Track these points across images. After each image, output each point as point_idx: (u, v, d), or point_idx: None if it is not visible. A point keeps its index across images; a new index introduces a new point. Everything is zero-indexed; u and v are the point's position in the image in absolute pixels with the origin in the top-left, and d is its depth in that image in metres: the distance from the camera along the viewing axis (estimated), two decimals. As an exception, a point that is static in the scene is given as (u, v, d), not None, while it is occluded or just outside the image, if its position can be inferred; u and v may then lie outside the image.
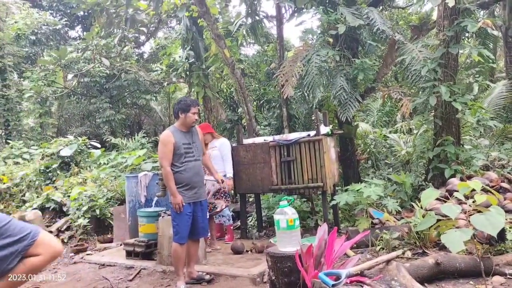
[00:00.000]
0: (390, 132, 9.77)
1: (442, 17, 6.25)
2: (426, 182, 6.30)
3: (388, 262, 2.78)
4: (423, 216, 4.60)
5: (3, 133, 16.12)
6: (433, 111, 6.37)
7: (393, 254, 2.85)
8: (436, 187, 5.80)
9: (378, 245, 4.71)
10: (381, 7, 8.39)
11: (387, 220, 5.31)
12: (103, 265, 5.43)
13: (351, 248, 4.34)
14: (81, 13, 17.34)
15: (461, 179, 5.59)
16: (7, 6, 16.53)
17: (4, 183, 8.92)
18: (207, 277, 4.45)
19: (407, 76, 6.39)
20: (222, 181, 4.94)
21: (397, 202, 5.52)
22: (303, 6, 6.79)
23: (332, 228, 3.35)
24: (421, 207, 5.01)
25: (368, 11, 6.57)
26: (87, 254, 5.99)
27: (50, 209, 7.82)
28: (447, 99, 5.75)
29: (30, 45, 15.92)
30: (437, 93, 5.82)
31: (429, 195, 3.61)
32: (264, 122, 10.04)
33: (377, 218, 5.51)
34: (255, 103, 10.32)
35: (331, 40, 6.62)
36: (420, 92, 6.42)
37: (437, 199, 4.85)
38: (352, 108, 6.33)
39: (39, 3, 17.52)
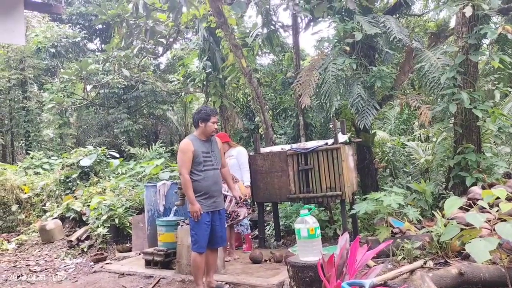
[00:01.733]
0: (408, 140, 9.66)
1: (460, 24, 6.19)
2: (447, 191, 6.20)
3: (412, 272, 2.73)
4: (445, 225, 4.52)
5: (23, 144, 16.48)
6: (452, 118, 6.29)
7: (417, 263, 2.81)
8: (457, 196, 5.70)
9: (399, 255, 4.63)
10: (397, 15, 8.36)
11: (408, 229, 5.23)
12: (123, 274, 5.46)
13: (372, 258, 4.28)
14: (100, 26, 17.70)
15: (483, 187, 5.48)
16: (27, 19, 16.94)
17: (25, 193, 9.08)
18: (226, 286, 4.44)
19: (425, 83, 6.32)
20: (241, 198, 4.94)
21: (417, 211, 5.44)
22: (319, 15, 6.80)
23: (354, 238, 3.31)
24: (443, 216, 4.93)
25: (385, 20, 6.54)
26: (107, 263, 6.03)
27: (70, 218, 7.93)
28: (467, 106, 5.67)
29: (50, 57, 16.27)
30: (457, 100, 5.75)
31: (453, 204, 3.55)
32: (280, 131, 10.04)
33: (397, 227, 5.43)
34: (271, 112, 10.33)
35: (347, 48, 6.60)
36: (439, 100, 6.35)
37: (459, 208, 4.76)
38: (370, 116, 6.28)
39: (58, 16, 17.90)
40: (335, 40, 6.93)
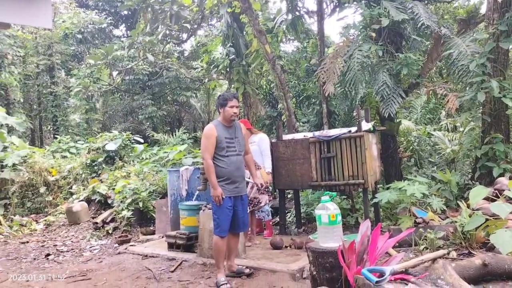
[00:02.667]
0: (434, 129, 9.47)
1: (491, 10, 6.00)
2: (473, 181, 6.07)
3: (434, 260, 2.70)
4: (470, 216, 4.44)
5: (51, 128, 16.92)
6: (481, 107, 6.12)
7: (440, 252, 2.77)
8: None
9: (422, 245, 4.58)
10: (426, 1, 8.14)
11: (431, 219, 5.16)
12: (146, 256, 5.59)
13: (393, 247, 4.25)
14: (125, 12, 17.89)
15: (510, 178, 5.35)
16: (55, 6, 17.25)
17: (53, 176, 9.35)
18: (247, 270, 4.49)
19: (453, 71, 6.16)
20: (262, 185, 4.94)
21: (442, 201, 5.35)
22: (345, 1, 6.69)
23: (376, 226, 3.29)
24: (468, 207, 4.84)
25: (413, 6, 6.39)
26: (131, 245, 6.18)
27: (96, 201, 8.13)
28: (496, 95, 5.51)
29: (77, 43, 16.57)
30: (486, 88, 5.59)
31: (478, 193, 3.47)
32: (303, 119, 9.99)
33: (421, 217, 5.36)
34: (294, 99, 10.28)
35: (374, 34, 6.48)
36: (467, 88, 6.19)
37: (485, 198, 4.66)
38: (395, 104, 6.18)
39: (85, 2, 18.19)
40: (361, 27, 6.81)
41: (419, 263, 2.67)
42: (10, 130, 11.38)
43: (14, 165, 8.93)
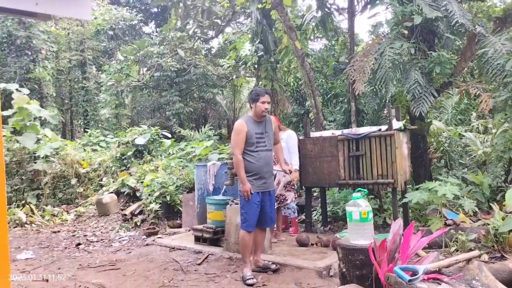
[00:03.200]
0: (465, 130, 9.24)
1: (530, 8, 5.80)
2: (506, 184, 5.90)
3: (468, 261, 2.64)
4: (503, 219, 4.32)
5: (82, 122, 17.35)
6: (516, 108, 5.93)
7: (474, 253, 2.71)
8: (517, 189, 5.42)
9: (452, 247, 4.50)
10: (460, -1, 7.95)
11: (462, 221, 5.05)
12: (173, 248, 5.67)
13: (423, 248, 4.18)
14: (155, 9, 18.14)
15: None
16: None
17: (83, 168, 9.59)
18: (273, 266, 4.50)
19: (487, 70, 5.99)
20: (290, 171, 4.94)
21: (473, 203, 5.23)
22: (378, -2, 6.61)
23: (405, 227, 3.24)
24: (500, 209, 4.72)
25: (447, 3, 6.24)
26: (158, 237, 6.28)
27: (125, 193, 8.30)
28: (534, 95, 5.34)
29: (108, 39, 16.91)
30: (523, 88, 5.42)
31: (515, 195, 3.38)
32: (330, 117, 9.91)
33: (451, 219, 5.25)
34: (321, 97, 10.20)
35: (406, 32, 6.37)
36: (501, 88, 6.01)
37: (520, 201, 4.53)
38: (427, 103, 6.05)
39: (117, -1, 18.55)
40: (393, 24, 6.70)
41: (453, 263, 2.62)
42: (43, 123, 11.72)
43: (46, 156, 9.20)
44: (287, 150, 5.83)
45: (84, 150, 10.79)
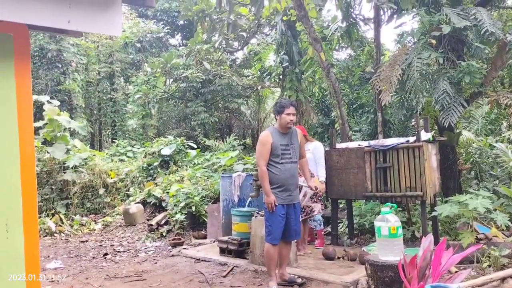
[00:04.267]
0: (496, 141, 8.97)
1: None
2: (541, 197, 5.69)
3: (503, 279, 2.54)
4: (539, 234, 4.15)
5: (110, 133, 17.72)
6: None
7: (509, 271, 2.60)
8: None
9: (484, 262, 4.35)
10: (489, 7, 7.77)
11: (495, 236, 4.89)
12: (199, 259, 5.68)
13: (454, 263, 4.06)
14: (181, 22, 18.45)
15: None
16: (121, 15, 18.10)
17: (111, 178, 9.76)
18: (299, 280, 4.44)
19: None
20: (316, 188, 4.90)
21: (506, 216, 5.04)
22: (404, 7, 6.53)
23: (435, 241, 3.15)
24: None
25: (476, 12, 6.12)
26: (184, 248, 6.31)
27: (151, 203, 8.41)
28: None
29: (136, 52, 17.28)
30: (558, 98, 5.23)
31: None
32: (355, 127, 9.80)
33: (483, 233, 5.09)
34: (346, 107, 10.11)
35: (433, 42, 6.26)
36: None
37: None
38: (456, 113, 5.91)
39: (144, 12, 18.95)
40: (420, 34, 6.61)
41: (488, 282, 2.52)
42: (72, 133, 12.03)
43: (75, 167, 9.43)
44: (313, 162, 5.78)
45: (112, 160, 11.00)
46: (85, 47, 16.75)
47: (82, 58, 16.05)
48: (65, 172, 9.43)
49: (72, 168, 9.36)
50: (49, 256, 6.38)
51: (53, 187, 9.41)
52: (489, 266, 4.32)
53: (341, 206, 7.41)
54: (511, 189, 5.76)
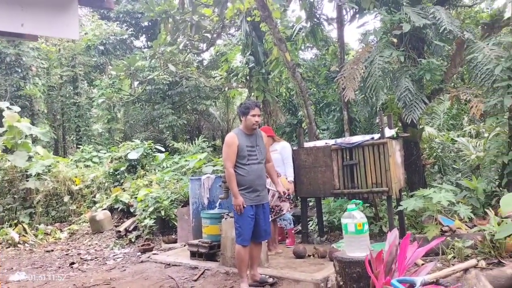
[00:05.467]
0: (457, 136, 9.29)
1: (517, 13, 5.86)
2: (500, 188, 5.91)
3: (465, 270, 2.62)
4: (499, 224, 4.31)
5: (74, 138, 17.25)
6: (507, 112, 5.97)
7: (471, 262, 2.68)
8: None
9: (449, 254, 4.48)
10: (447, 6, 8.03)
11: (458, 228, 5.04)
12: (169, 264, 5.60)
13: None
14: (146, 23, 18.16)
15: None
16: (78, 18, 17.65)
17: (76, 185, 9.50)
18: (270, 280, 4.44)
19: (476, 75, 6.03)
20: (284, 193, 4.91)
21: (468, 208, 5.22)
22: (365, 7, 6.65)
23: (401, 235, 3.22)
24: (496, 214, 4.71)
25: (434, 10, 6.31)
26: (153, 254, 6.20)
27: (119, 209, 8.23)
28: (524, 99, 5.36)
29: (99, 54, 16.90)
30: (513, 93, 5.44)
31: (510, 201, 3.37)
32: (322, 126, 9.93)
33: (447, 226, 5.24)
34: (313, 107, 10.23)
35: (395, 40, 6.41)
36: (490, 94, 6.04)
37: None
38: (418, 110, 6.07)
39: (107, 14, 18.56)
40: (382, 32, 6.75)
41: (451, 274, 2.59)
42: (35, 140, 11.62)
43: (38, 174, 9.12)
44: (281, 162, 5.81)
45: (77, 166, 10.71)
46: (46, 50, 16.24)
47: (43, 62, 15.55)
48: (27, 180, 9.11)
49: (35, 176, 9.04)
50: (12, 268, 6.14)
51: (15, 196, 9.07)
52: (454, 257, 4.45)
53: (310, 204, 7.49)
54: (472, 182, 5.96)
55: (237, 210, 4.26)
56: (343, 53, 8.00)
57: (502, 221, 4.35)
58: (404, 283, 2.49)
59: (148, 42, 19.06)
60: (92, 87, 16.97)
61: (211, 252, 5.41)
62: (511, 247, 4.28)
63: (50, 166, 9.46)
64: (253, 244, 4.44)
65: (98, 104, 14.13)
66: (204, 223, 5.64)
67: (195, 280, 4.82)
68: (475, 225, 5.20)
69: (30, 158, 9.45)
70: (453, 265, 3.94)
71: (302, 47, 10.99)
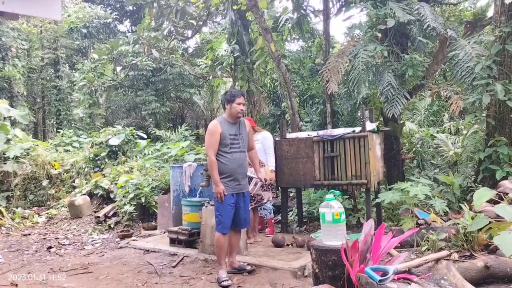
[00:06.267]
0: (437, 132, 9.47)
1: (499, 13, 5.98)
2: (476, 184, 6.07)
3: (437, 261, 2.70)
4: (472, 218, 4.44)
5: (54, 122, 16.96)
6: (485, 110, 6.12)
7: (443, 253, 2.77)
8: (486, 189, 5.57)
9: (424, 246, 4.59)
10: (432, 3, 8.14)
11: (433, 221, 5.16)
12: (148, 251, 5.60)
13: (395, 247, 4.25)
14: (130, 7, 17.87)
15: (514, 182, 5.34)
16: None
17: (55, 169, 9.37)
18: (248, 267, 4.50)
19: (457, 72, 6.14)
20: (266, 180, 4.95)
21: (444, 203, 5.35)
22: (352, 0, 6.68)
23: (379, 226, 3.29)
24: (470, 209, 4.84)
25: (419, 7, 6.38)
26: (133, 240, 6.19)
27: (98, 195, 8.16)
28: (502, 97, 5.50)
29: (82, 38, 16.55)
30: (491, 91, 5.57)
31: (483, 195, 3.47)
32: (306, 118, 9.99)
33: (423, 219, 5.36)
34: (297, 98, 10.27)
35: (379, 35, 6.47)
36: (469, 91, 6.17)
37: (487, 201, 4.66)
38: (399, 105, 6.17)
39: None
40: (367, 27, 6.80)
41: (423, 263, 2.67)
42: (13, 123, 11.41)
43: (16, 157, 8.96)
44: (263, 151, 5.84)
45: (56, 150, 10.54)
46: (27, 31, 15.83)
47: (23, 43, 15.16)
48: (5, 163, 8.94)
49: (13, 158, 8.88)
50: (-13, 251, 6.05)
51: (-8, 179, 8.91)
52: (428, 249, 4.56)
53: (291, 195, 7.56)
54: (449, 177, 6.10)
55: (218, 198, 4.29)
56: (328, 45, 8.04)
57: (476, 215, 4.48)
58: (377, 271, 2.56)
59: (133, 27, 18.74)
60: (74, 71, 16.65)
61: (191, 239, 5.43)
62: (483, 241, 4.41)
63: (29, 149, 9.30)
64: (233, 232, 4.48)
65: (80, 87, 13.88)
66: (184, 210, 5.64)
67: (174, 267, 4.84)
68: (450, 219, 5.32)
69: (8, 140, 9.28)
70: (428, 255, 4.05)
71: (288, 39, 11.00)
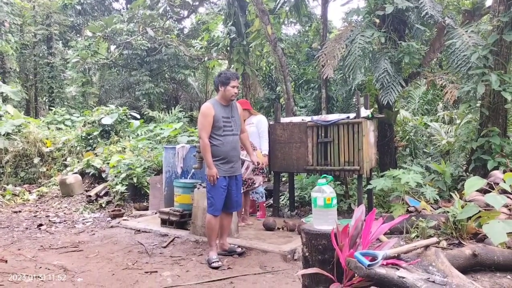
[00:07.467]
0: (431, 120, 9.50)
1: (497, 2, 5.94)
2: (467, 173, 6.11)
3: (426, 247, 2.73)
4: (462, 207, 4.48)
5: (46, 100, 16.78)
6: (479, 100, 6.12)
7: (432, 240, 2.80)
8: (477, 179, 5.61)
9: (413, 233, 4.63)
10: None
11: (424, 209, 5.20)
12: (139, 230, 5.61)
13: (385, 233, 4.28)
14: (126, -15, 17.53)
15: (505, 172, 5.38)
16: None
17: (47, 147, 9.30)
18: (239, 250, 4.52)
19: (453, 60, 6.12)
20: (258, 163, 4.94)
21: (435, 191, 5.39)
22: (351, -15, 6.59)
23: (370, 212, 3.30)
24: (460, 198, 4.88)
25: (418, -6, 6.33)
26: (124, 220, 6.19)
27: (90, 174, 8.12)
28: (496, 88, 5.50)
29: (76, 14, 16.30)
30: (486, 81, 5.57)
31: (474, 184, 3.49)
32: (301, 103, 9.96)
33: (413, 206, 5.40)
34: (293, 83, 10.22)
35: (377, 21, 6.42)
36: (464, 81, 6.17)
37: (478, 190, 4.70)
38: (395, 92, 6.16)
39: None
40: (365, 12, 6.74)
41: (412, 250, 2.69)
42: (5, 99, 11.26)
43: (8, 134, 8.87)
44: (257, 135, 5.83)
45: (48, 128, 10.45)
46: (20, 6, 15.54)
47: (16, 18, 14.89)
48: (-4, 140, 8.86)
49: (4, 135, 8.79)
50: (-23, 227, 6.03)
51: (-18, 155, 8.83)
52: (417, 236, 4.60)
53: (283, 179, 7.58)
54: (441, 165, 6.13)
55: (210, 180, 4.27)
56: (326, 30, 7.97)
57: (466, 204, 4.52)
58: (366, 256, 2.57)
59: (128, 5, 18.45)
60: (67, 48, 16.42)
61: (182, 220, 5.44)
62: (472, 230, 4.46)
63: (20, 126, 9.20)
64: (224, 214, 4.49)
65: (73, 64, 13.69)
66: (176, 191, 5.63)
67: (165, 247, 4.85)
68: (440, 207, 5.37)
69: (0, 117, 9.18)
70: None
71: (286, 22, 10.88)
